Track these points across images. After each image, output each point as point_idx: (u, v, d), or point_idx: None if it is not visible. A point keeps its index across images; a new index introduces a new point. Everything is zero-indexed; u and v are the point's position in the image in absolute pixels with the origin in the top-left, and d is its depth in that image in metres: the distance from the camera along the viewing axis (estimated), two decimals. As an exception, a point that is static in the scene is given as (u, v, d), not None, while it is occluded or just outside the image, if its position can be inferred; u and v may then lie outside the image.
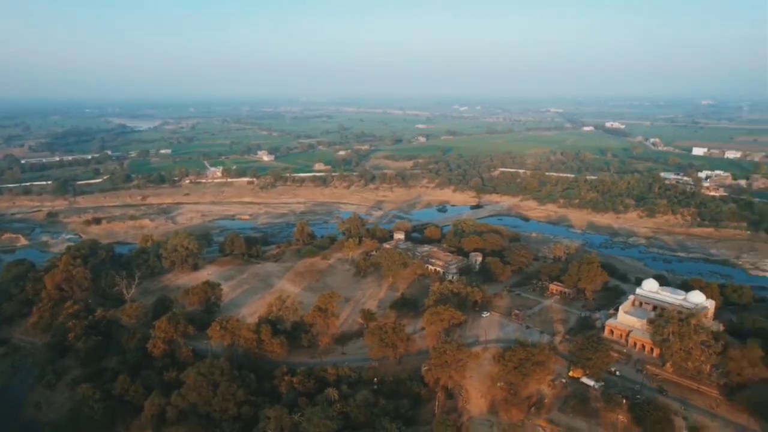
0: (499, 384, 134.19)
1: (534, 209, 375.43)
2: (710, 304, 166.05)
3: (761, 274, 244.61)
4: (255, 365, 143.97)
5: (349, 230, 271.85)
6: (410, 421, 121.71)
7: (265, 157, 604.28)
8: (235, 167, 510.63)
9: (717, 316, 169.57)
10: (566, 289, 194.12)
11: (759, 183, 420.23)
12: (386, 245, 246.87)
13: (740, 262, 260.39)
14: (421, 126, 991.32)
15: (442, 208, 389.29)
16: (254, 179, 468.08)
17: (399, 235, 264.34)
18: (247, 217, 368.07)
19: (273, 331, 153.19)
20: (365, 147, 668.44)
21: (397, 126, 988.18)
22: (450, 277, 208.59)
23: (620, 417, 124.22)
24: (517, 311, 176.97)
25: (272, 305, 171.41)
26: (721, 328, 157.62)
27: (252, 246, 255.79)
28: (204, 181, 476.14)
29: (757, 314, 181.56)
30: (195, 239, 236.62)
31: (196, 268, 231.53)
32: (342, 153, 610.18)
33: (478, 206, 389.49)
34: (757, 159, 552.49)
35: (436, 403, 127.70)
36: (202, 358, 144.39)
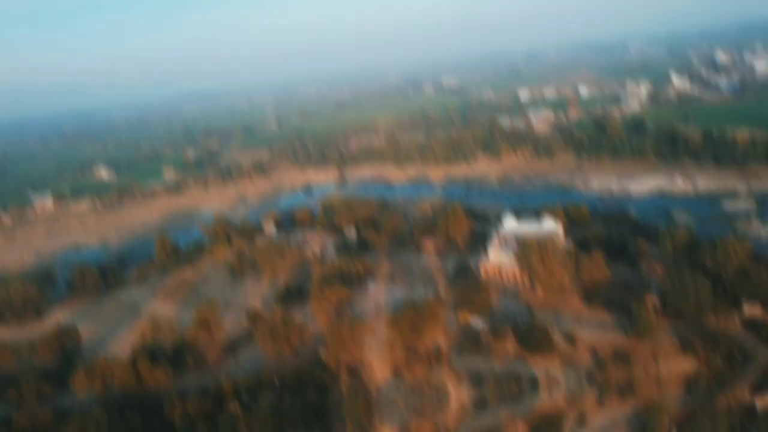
0: (397, 348, 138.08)
1: (395, 173, 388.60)
2: (560, 227, 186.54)
3: (591, 191, 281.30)
4: (139, 403, 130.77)
5: (215, 233, 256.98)
6: (320, 409, 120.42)
7: (104, 174, 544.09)
8: (69, 191, 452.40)
9: (566, 235, 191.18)
10: (439, 242, 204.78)
11: (573, 114, 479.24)
12: (259, 239, 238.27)
13: (574, 185, 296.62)
14: (270, 112, 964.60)
15: (307, 191, 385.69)
16: (96, 200, 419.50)
17: (270, 227, 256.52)
18: (96, 242, 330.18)
19: (152, 361, 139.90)
20: (215, 143, 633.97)
21: (246, 116, 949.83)
22: (330, 257, 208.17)
23: (509, 345, 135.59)
24: (399, 274, 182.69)
25: (145, 333, 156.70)
26: (571, 244, 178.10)
27: (108, 274, 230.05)
28: (32, 214, 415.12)
29: (594, 226, 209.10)
30: (32, 282, 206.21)
31: (40, 315, 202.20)
32: (191, 154, 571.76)
33: (342, 181, 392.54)
34: (567, 94, 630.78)
35: (342, 385, 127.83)
36: (67, 416, 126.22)
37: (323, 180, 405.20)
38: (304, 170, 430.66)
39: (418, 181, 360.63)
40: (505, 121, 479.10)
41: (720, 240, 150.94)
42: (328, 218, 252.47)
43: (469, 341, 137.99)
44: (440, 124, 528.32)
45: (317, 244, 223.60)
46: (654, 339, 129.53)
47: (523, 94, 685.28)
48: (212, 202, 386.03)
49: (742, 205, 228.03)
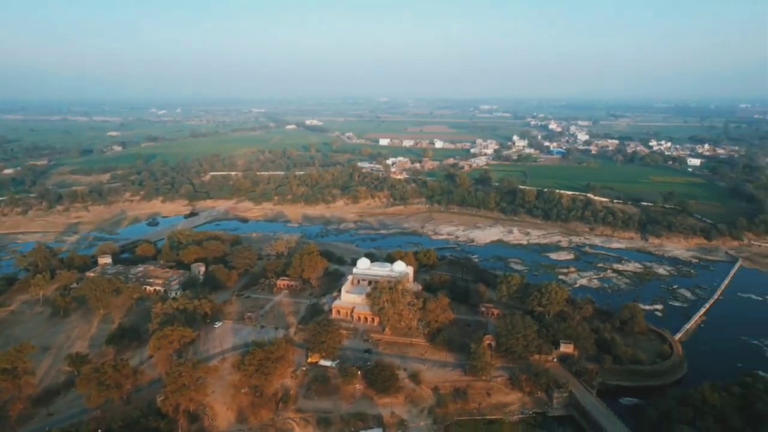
0: (243, 390, 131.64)
1: (251, 209, 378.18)
2: (410, 270, 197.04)
3: (440, 237, 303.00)
4: None
5: (34, 264, 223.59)
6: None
7: None
8: None
9: (416, 278, 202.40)
10: (293, 282, 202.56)
11: (428, 164, 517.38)
12: (90, 273, 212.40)
13: (425, 231, 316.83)
14: (114, 133, 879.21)
15: (152, 222, 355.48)
16: None
17: (105, 259, 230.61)
18: None
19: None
20: (42, 162, 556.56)
21: (84, 135, 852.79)
22: (173, 294, 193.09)
23: (357, 386, 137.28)
24: (249, 313, 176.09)
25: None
26: (420, 287, 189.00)
27: None
28: None
29: (441, 270, 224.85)
30: None
31: None
32: (9, 171, 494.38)
33: (192, 214, 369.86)
34: (424, 145, 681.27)
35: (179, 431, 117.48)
36: None
37: (172, 211, 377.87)
38: (150, 199, 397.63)
39: (275, 218, 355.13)
40: (365, 165, 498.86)
41: (545, 286, 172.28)
42: (174, 252, 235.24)
43: (318, 382, 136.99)
44: (301, 163, 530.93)
45: (161, 280, 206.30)
46: (488, 376, 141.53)
47: (383, 141, 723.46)
48: (33, 229, 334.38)
49: (564, 255, 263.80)
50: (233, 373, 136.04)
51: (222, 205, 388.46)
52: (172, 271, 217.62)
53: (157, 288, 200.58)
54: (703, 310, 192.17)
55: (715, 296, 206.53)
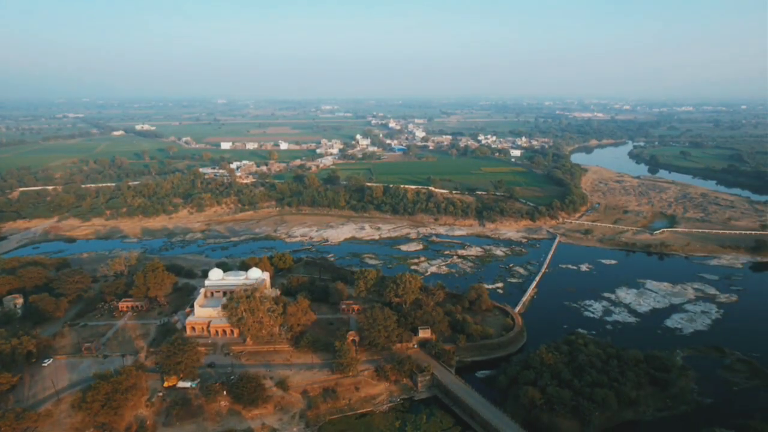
0: (89, 431, 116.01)
1: (78, 227, 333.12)
2: (266, 276, 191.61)
3: (294, 240, 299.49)
4: None
5: None
6: None
7: None
8: None
9: (273, 283, 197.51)
10: (138, 303, 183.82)
11: (275, 167, 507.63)
12: None
13: (278, 234, 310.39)
14: None
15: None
16: None
17: None
18: None
19: None
20: None
21: None
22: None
23: (222, 403, 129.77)
24: (87, 344, 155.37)
25: None
26: (278, 292, 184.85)
27: None
28: None
29: (298, 273, 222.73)
30: None
31: None
32: None
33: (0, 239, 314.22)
34: (269, 147, 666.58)
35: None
36: None
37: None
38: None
39: (109, 235, 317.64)
40: (207, 171, 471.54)
41: (400, 277, 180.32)
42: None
43: (179, 406, 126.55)
44: (134, 172, 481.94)
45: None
46: (355, 371, 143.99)
47: (225, 145, 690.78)
48: None
49: (414, 246, 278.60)
50: (73, 415, 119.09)
51: (39, 225, 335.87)
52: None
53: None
54: (534, 283, 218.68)
55: (542, 270, 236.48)
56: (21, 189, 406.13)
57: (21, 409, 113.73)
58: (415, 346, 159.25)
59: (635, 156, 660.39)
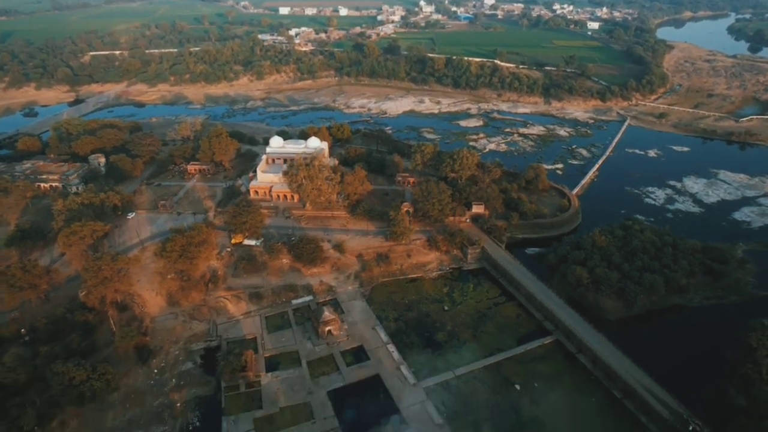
0: (169, 276, 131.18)
1: (146, 92, 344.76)
2: (325, 145, 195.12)
3: (352, 111, 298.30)
4: None
5: None
6: (87, 351, 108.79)
7: None
8: None
9: (331, 153, 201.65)
10: (204, 167, 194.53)
11: (334, 34, 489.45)
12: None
13: (336, 105, 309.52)
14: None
15: (30, 112, 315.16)
16: None
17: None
18: None
19: None
20: None
21: None
22: (74, 189, 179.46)
23: (284, 260, 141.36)
24: (163, 201, 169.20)
25: None
26: (336, 162, 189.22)
27: None
28: None
29: (356, 144, 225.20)
30: None
31: None
32: None
33: (78, 101, 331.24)
34: (328, 13, 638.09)
35: (111, 322, 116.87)
36: None
37: (52, 99, 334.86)
38: (19, 86, 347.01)
39: (175, 101, 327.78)
40: (266, 37, 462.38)
41: (457, 153, 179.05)
42: (65, 145, 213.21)
43: (245, 261, 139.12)
44: (194, 37, 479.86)
45: (56, 175, 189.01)
46: (408, 240, 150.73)
47: (284, 10, 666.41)
48: None
49: (473, 122, 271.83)
50: (156, 261, 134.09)
51: (111, 89, 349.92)
52: (66, 164, 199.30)
53: (54, 184, 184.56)
54: (596, 167, 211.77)
55: (607, 153, 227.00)
56: (91, 53, 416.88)
57: (115, 253, 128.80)
58: (468, 220, 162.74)
59: (735, 31, 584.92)
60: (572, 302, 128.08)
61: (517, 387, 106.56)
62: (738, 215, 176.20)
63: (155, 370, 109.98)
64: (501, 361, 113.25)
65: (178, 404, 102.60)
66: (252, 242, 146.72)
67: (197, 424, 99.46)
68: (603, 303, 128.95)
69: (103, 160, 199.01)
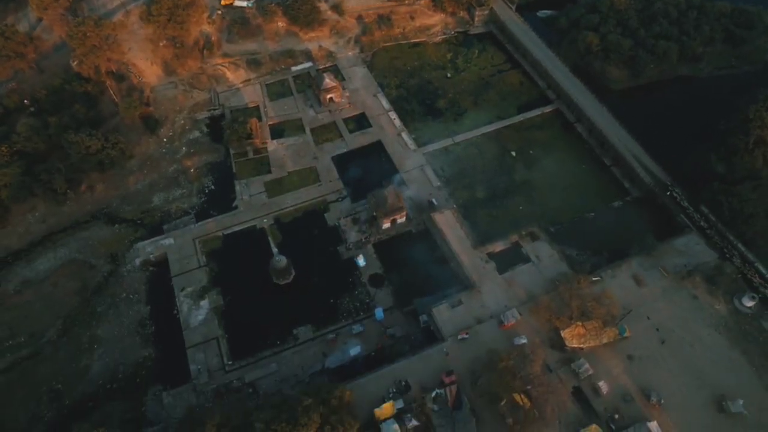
0: (162, 43, 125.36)
1: None
2: None
3: None
4: None
5: None
6: (95, 122, 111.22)
7: None
8: None
9: None
10: None
11: None
12: None
13: None
14: None
15: None
16: None
17: None
18: None
19: None
20: None
21: None
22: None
23: (279, 23, 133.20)
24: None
25: None
26: None
27: None
28: None
29: None
30: None
31: None
32: None
33: None
34: None
35: (111, 92, 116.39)
36: None
37: None
38: None
39: None
40: None
41: None
42: None
43: (239, 24, 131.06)
44: None
45: None
46: (412, 1, 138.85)
47: None
48: None
49: None
50: (144, 27, 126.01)
51: None
52: None
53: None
54: None
55: None
56: None
57: (97, 17, 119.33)
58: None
59: None
60: (578, 71, 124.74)
61: (513, 154, 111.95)
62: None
63: (164, 139, 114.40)
64: (500, 129, 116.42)
65: (192, 170, 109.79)
66: (243, 3, 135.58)
67: (212, 187, 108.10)
68: (609, 72, 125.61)
69: None
